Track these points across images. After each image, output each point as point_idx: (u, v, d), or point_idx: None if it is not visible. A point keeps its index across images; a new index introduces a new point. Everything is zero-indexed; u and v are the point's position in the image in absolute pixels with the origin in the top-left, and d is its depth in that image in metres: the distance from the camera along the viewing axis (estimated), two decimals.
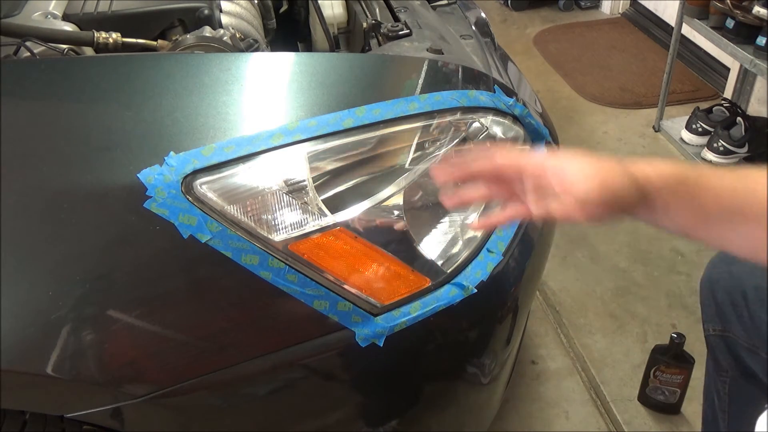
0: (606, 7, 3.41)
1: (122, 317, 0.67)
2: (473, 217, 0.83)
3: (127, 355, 0.68)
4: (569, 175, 0.57)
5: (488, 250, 0.81)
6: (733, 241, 0.59)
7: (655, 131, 2.37)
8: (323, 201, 0.73)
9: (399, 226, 0.76)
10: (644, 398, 1.39)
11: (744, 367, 0.90)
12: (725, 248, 0.61)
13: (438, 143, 0.80)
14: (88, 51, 1.04)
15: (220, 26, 1.15)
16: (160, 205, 0.66)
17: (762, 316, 0.84)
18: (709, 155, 2.10)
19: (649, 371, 1.34)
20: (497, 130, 0.88)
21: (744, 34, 1.83)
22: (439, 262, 0.79)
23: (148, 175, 0.66)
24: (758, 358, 0.85)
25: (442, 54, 0.97)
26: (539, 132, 0.95)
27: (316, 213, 0.72)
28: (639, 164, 0.58)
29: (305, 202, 0.72)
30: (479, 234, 0.82)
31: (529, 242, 0.88)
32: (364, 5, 1.28)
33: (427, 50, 0.97)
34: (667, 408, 1.37)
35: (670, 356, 1.31)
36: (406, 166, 0.78)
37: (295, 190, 0.72)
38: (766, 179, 0.56)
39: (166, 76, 0.78)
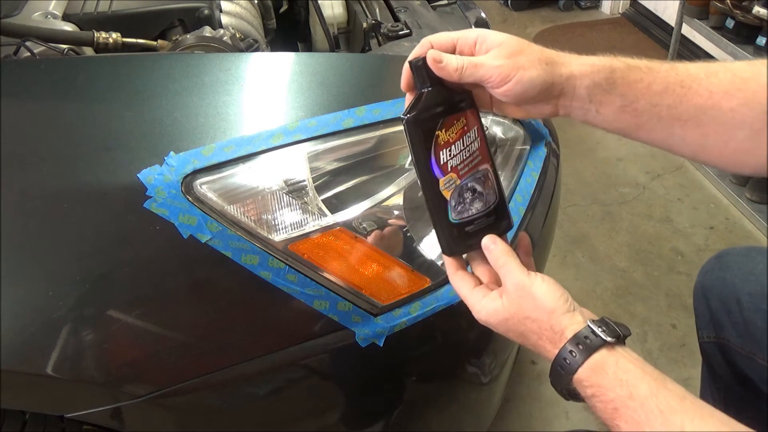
0: (606, 7, 3.41)
1: (122, 317, 0.67)
2: None
3: (127, 355, 0.68)
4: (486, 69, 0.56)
5: None
6: (672, 144, 0.56)
7: None
8: (323, 201, 0.73)
9: (399, 226, 0.76)
10: None
11: (739, 373, 0.88)
12: (667, 149, 0.58)
13: None
14: (88, 51, 1.04)
15: (220, 26, 1.15)
16: (160, 205, 0.66)
17: (757, 323, 0.83)
18: None
19: None
20: (497, 130, 0.88)
21: (744, 34, 1.83)
22: (439, 262, 0.79)
23: (148, 175, 0.66)
24: (754, 364, 0.84)
25: None
26: (539, 132, 0.95)
27: (316, 213, 0.72)
28: (565, 56, 0.57)
29: (305, 202, 0.72)
30: None
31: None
32: (364, 5, 1.29)
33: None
34: None
35: None
36: (406, 166, 0.78)
37: (295, 190, 0.72)
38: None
39: (166, 76, 0.78)
